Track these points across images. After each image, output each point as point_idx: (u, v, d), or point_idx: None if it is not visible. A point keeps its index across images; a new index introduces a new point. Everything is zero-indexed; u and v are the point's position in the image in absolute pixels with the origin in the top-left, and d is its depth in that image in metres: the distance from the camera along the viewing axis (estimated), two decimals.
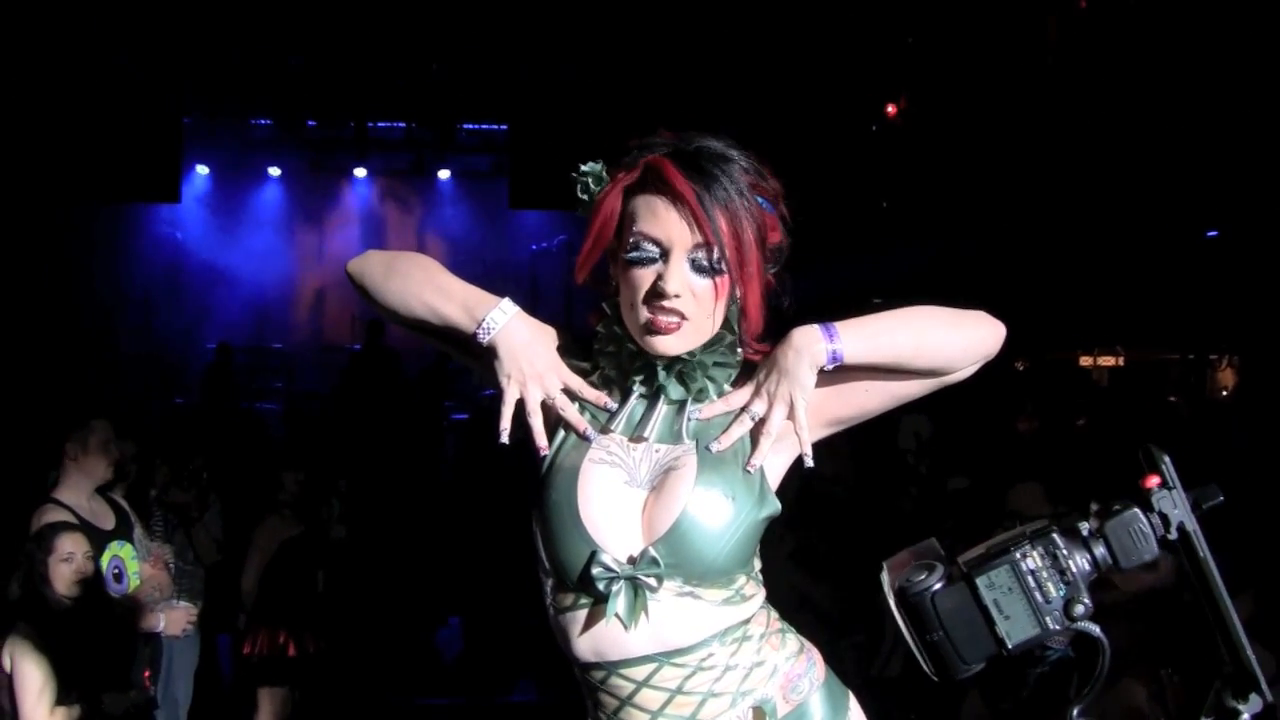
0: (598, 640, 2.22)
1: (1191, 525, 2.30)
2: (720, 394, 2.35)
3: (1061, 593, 2.25)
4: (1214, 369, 12.33)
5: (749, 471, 2.29)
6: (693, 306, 2.22)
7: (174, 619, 5.46)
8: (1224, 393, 12.10)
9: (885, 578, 2.36)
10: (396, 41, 14.41)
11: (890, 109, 13.91)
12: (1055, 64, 11.70)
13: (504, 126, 16.98)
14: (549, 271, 18.01)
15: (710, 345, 2.31)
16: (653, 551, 2.17)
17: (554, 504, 2.24)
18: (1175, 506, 2.30)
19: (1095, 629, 2.29)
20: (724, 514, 2.22)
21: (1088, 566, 2.28)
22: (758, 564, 2.36)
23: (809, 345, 2.28)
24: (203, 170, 17.81)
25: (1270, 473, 6.75)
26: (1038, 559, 2.27)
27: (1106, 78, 10.73)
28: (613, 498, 2.23)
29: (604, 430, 2.31)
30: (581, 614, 2.23)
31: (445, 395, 16.89)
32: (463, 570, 9.29)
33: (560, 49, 14.32)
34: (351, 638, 8.00)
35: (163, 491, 6.93)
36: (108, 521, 5.50)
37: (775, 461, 2.37)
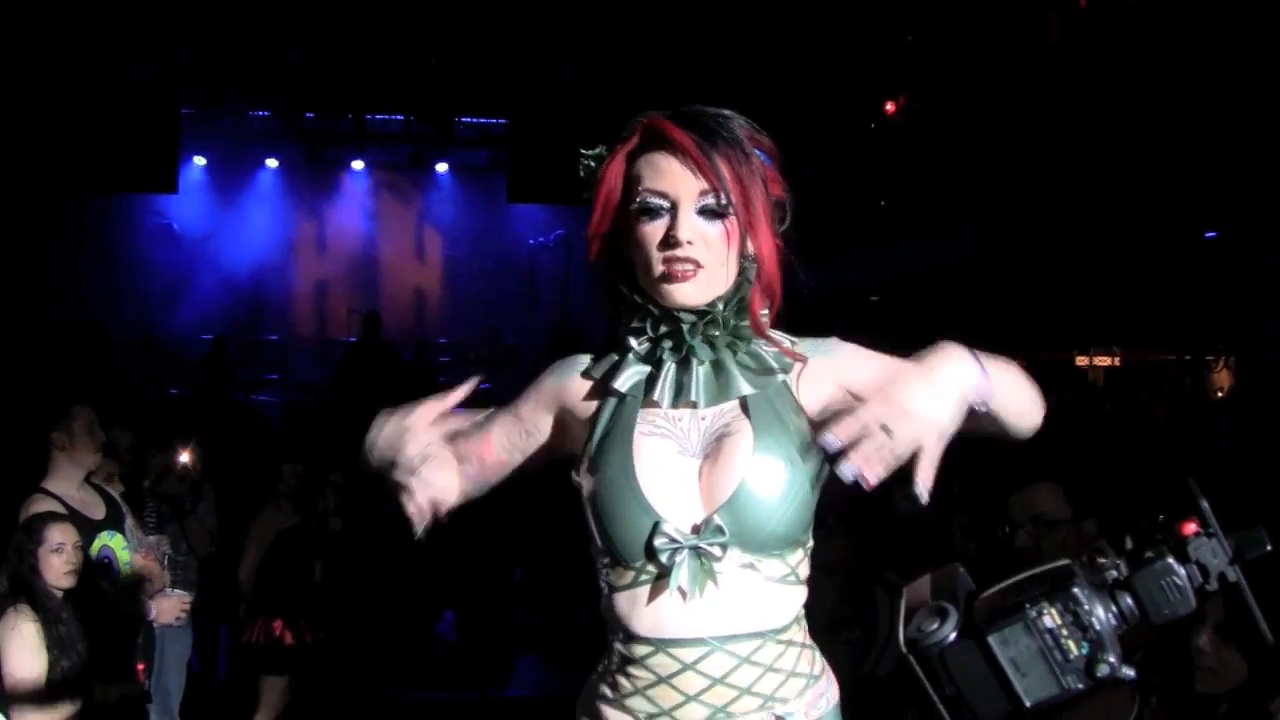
0: (658, 615, 2.16)
1: (1235, 576, 2.19)
2: (750, 351, 2.31)
3: (1084, 650, 2.15)
4: (1210, 370, 12.32)
5: (802, 433, 2.24)
6: (705, 253, 2.21)
7: (166, 608, 5.44)
8: (1219, 394, 12.10)
9: (902, 610, 2.28)
10: (395, 34, 14.40)
11: (889, 107, 13.90)
12: (1055, 63, 11.68)
13: (502, 120, 16.97)
14: (547, 265, 18.02)
15: (730, 300, 2.27)
16: (717, 519, 2.14)
17: (610, 479, 2.20)
18: (1215, 556, 2.19)
19: (1129, 673, 2.18)
20: (783, 479, 2.18)
21: (1113, 620, 2.17)
22: (811, 541, 2.31)
23: (963, 373, 2.15)
24: (200, 161, 17.80)
25: (1253, 474, 6.75)
26: (1056, 616, 2.16)
27: (1106, 77, 10.72)
28: (669, 468, 2.20)
29: (646, 404, 2.27)
30: (642, 590, 2.18)
31: (440, 388, 16.85)
32: (457, 564, 9.28)
33: (559, 44, 14.32)
34: (347, 630, 7.99)
35: (156, 482, 6.92)
36: (98, 511, 5.47)
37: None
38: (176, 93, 15.37)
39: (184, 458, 7.09)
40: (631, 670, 2.21)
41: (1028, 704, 2.14)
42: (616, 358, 2.32)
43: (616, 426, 2.26)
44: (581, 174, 2.36)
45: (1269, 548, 2.18)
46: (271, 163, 18.45)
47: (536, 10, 13.41)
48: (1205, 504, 2.20)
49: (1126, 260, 10.94)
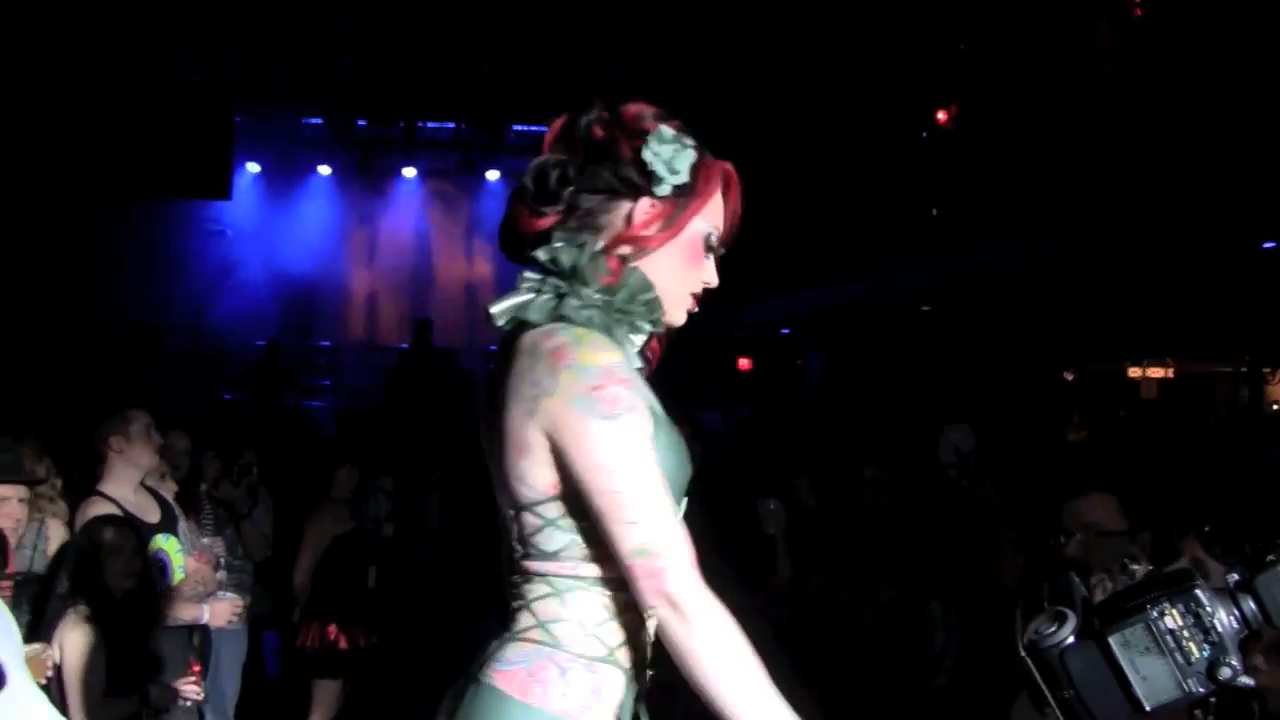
0: None
1: None
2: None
3: (1205, 653, 2.10)
4: (1268, 382, 12.22)
5: None
6: None
7: (219, 611, 5.47)
8: (1276, 406, 11.99)
9: (1018, 620, 2.25)
10: (447, 41, 14.46)
11: (941, 115, 13.85)
12: (1108, 70, 11.62)
13: None
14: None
15: None
16: None
17: (677, 441, 2.31)
18: None
19: (1250, 682, 2.14)
20: None
21: (1235, 624, 2.12)
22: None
23: None
24: (253, 168, 17.91)
25: None
26: (1177, 617, 2.12)
27: (1159, 84, 10.66)
28: None
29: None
30: None
31: None
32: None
33: (609, 51, 14.33)
34: (399, 634, 8.04)
35: (213, 486, 6.97)
36: (152, 515, 5.48)
37: None
38: (230, 99, 15.49)
39: (242, 462, 7.14)
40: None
41: (1148, 707, 2.12)
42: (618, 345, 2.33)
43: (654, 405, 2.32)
44: (670, 151, 2.45)
45: None
46: (324, 169, 18.54)
47: (587, 17, 13.44)
48: None
49: (1181, 270, 10.86)
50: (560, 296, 2.33)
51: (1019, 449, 7.25)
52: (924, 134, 14.09)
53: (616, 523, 2.15)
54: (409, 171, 18.79)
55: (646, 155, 2.43)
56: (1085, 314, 12.16)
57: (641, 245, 2.40)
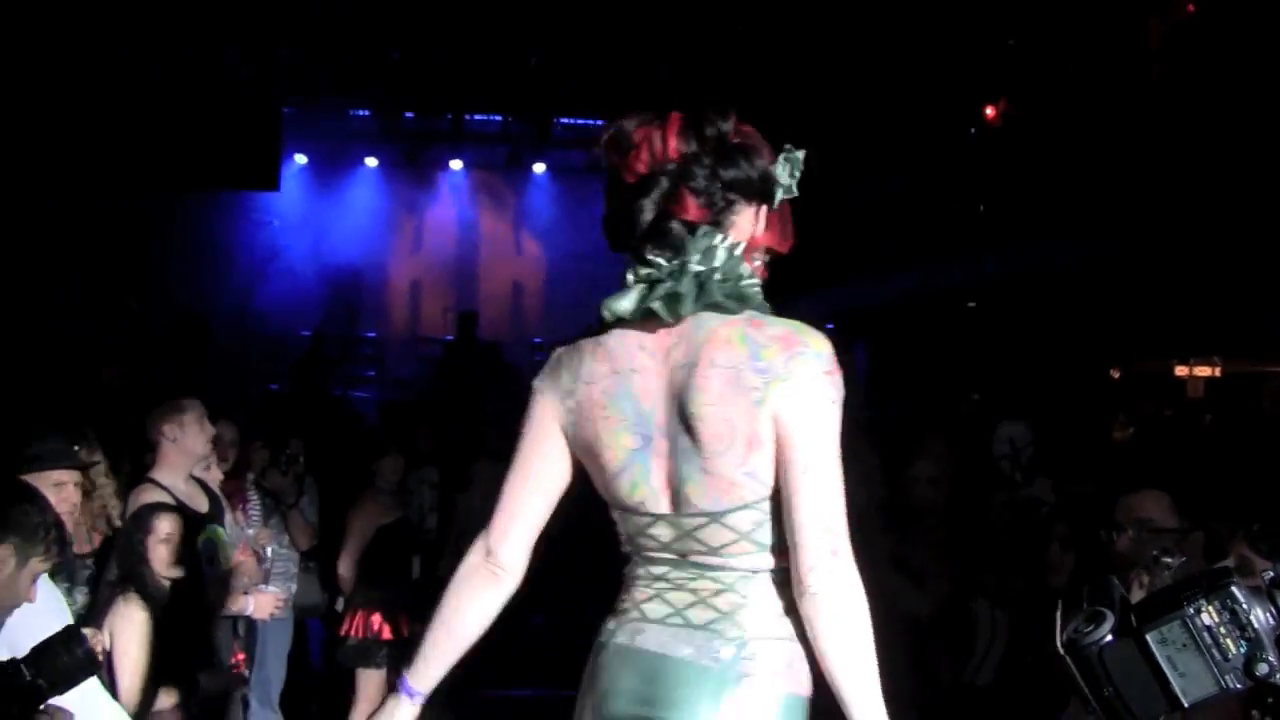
0: None
1: None
2: None
3: (1243, 649, 2.12)
4: None
5: None
6: None
7: (262, 603, 5.51)
8: None
9: (1058, 618, 2.28)
10: (494, 34, 14.49)
11: (989, 112, 13.79)
12: (1158, 69, 11.55)
13: (600, 122, 16.99)
14: None
15: None
16: None
17: None
18: None
19: None
20: None
21: (1271, 620, 2.14)
22: None
23: None
24: (301, 159, 17.99)
25: None
26: (1214, 614, 2.13)
27: (1210, 83, 10.58)
28: None
29: None
30: None
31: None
32: (548, 565, 9.32)
33: (656, 46, 14.34)
34: None
35: (260, 475, 7.02)
36: (201, 505, 5.51)
37: None
38: (279, 92, 15.57)
39: (288, 451, 7.18)
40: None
41: (1186, 703, 2.14)
42: None
43: None
44: (792, 169, 2.62)
45: None
46: (371, 161, 18.61)
47: (635, 11, 13.44)
48: None
49: (1229, 267, 10.79)
50: (701, 286, 2.44)
51: (1067, 447, 7.21)
52: (972, 130, 14.03)
53: (820, 499, 2.35)
54: (455, 164, 18.83)
55: (782, 167, 2.60)
56: (1131, 312, 12.09)
57: (758, 247, 2.59)
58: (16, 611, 3.15)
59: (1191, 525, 3.98)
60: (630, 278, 2.54)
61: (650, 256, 2.51)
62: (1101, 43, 11.93)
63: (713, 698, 2.40)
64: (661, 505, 2.49)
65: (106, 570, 4.85)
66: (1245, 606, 2.12)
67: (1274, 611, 2.14)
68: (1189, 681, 2.13)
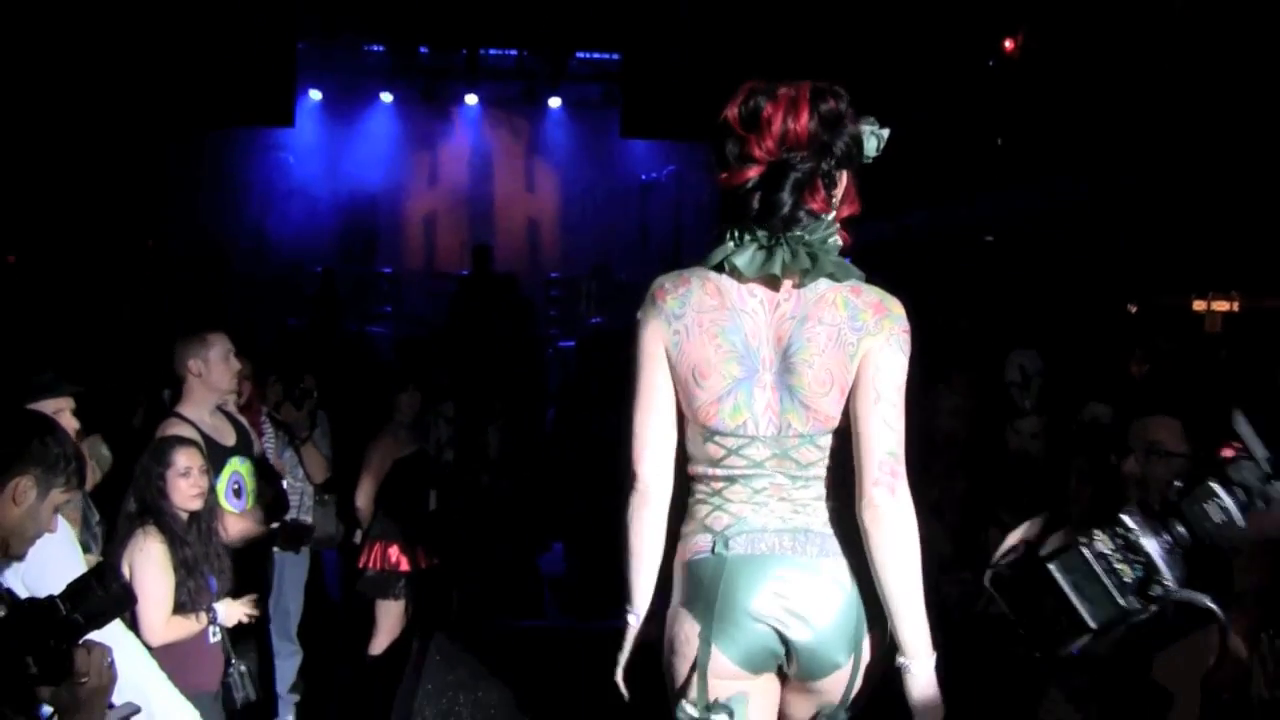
0: None
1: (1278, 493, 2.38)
2: None
3: (1138, 573, 2.35)
4: None
5: None
6: None
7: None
8: None
9: (998, 551, 2.62)
10: None
11: (1008, 44, 13.67)
12: (1182, 3, 11.43)
13: (616, 55, 16.94)
14: (659, 201, 18.03)
15: None
16: None
17: None
18: (1254, 475, 2.39)
19: (1201, 599, 2.38)
20: None
21: (1163, 546, 2.36)
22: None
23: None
24: (316, 95, 17.99)
25: None
26: (1108, 542, 2.36)
27: (1232, 15, 10.48)
28: None
29: None
30: None
31: (552, 322, 17.02)
32: (566, 496, 9.37)
33: None
34: (458, 559, 8.11)
35: (274, 409, 7.04)
36: (229, 437, 5.52)
37: None
38: (293, 27, 15.52)
39: (302, 385, 7.18)
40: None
41: (1093, 625, 2.36)
42: None
43: None
44: (879, 143, 3.04)
45: None
46: (386, 97, 18.60)
47: None
48: (1244, 427, 2.44)
49: (1249, 201, 10.72)
50: (812, 255, 2.90)
51: (1083, 379, 7.21)
52: (990, 63, 13.93)
53: (888, 430, 2.85)
54: (471, 99, 18.81)
55: (869, 139, 3.00)
56: (1149, 246, 12.03)
57: (843, 217, 3.02)
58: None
59: (1200, 451, 4.01)
60: (737, 236, 2.93)
61: (758, 226, 2.92)
62: None
63: (844, 588, 2.92)
64: (763, 429, 2.92)
65: (124, 503, 4.86)
66: (1136, 534, 2.36)
67: (1166, 537, 2.36)
68: (1093, 605, 2.36)
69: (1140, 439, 3.92)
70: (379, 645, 7.13)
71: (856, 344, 2.86)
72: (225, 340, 5.49)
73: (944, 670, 2.92)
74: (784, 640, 2.90)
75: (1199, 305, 13.10)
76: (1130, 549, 2.35)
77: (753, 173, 2.89)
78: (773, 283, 2.91)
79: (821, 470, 2.95)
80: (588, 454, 9.01)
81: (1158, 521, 2.38)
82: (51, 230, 13.11)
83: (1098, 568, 2.35)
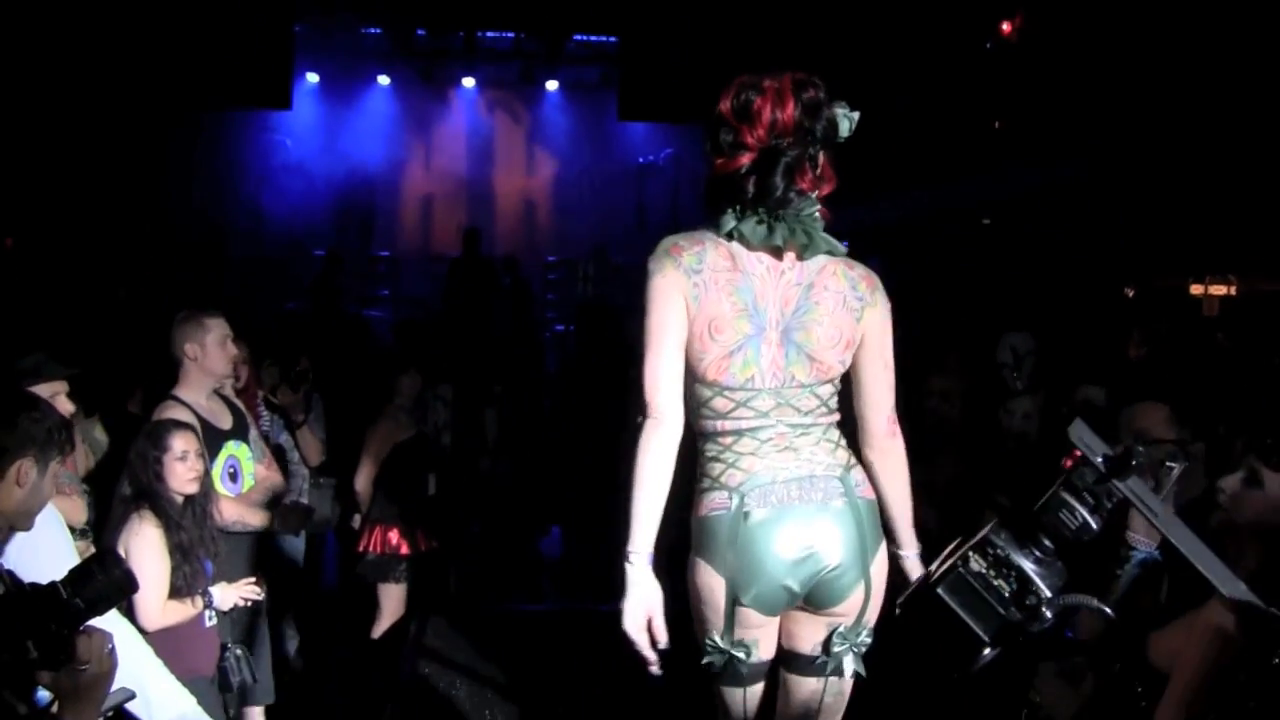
0: None
1: (1122, 493, 2.55)
2: None
3: (1012, 585, 2.54)
4: None
5: None
6: None
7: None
8: None
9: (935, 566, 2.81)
10: None
11: (1005, 27, 13.66)
12: None
13: (614, 38, 16.91)
14: (656, 184, 18.00)
15: None
16: None
17: None
18: (1093, 479, 2.55)
19: (1087, 601, 2.62)
20: None
21: (1029, 561, 2.56)
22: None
23: None
24: (313, 78, 17.93)
25: None
26: (980, 561, 2.57)
27: None
28: None
29: None
30: None
31: (549, 305, 17.01)
32: (564, 479, 9.38)
33: None
34: (456, 542, 8.12)
35: (270, 392, 7.04)
36: (225, 421, 5.49)
37: None
38: (290, 9, 15.49)
39: (298, 368, 7.18)
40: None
41: (986, 639, 2.57)
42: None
43: None
44: (851, 124, 3.30)
45: (1137, 462, 2.54)
46: (383, 79, 18.55)
47: None
48: (1083, 432, 2.60)
49: (1246, 184, 10.72)
50: (806, 231, 3.27)
51: (1080, 362, 7.21)
52: (987, 45, 13.92)
53: (889, 388, 3.41)
54: (468, 82, 18.76)
55: (843, 117, 3.27)
56: (1146, 230, 12.03)
57: (823, 195, 3.34)
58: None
59: (1188, 437, 4.05)
60: (736, 212, 3.27)
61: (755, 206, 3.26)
62: None
63: (858, 522, 3.29)
64: (768, 381, 3.27)
65: (119, 486, 4.86)
66: (1003, 551, 2.56)
67: (1031, 549, 2.55)
68: (984, 622, 2.55)
69: (1128, 427, 3.96)
70: (380, 628, 7.15)
71: (860, 310, 3.32)
72: (223, 324, 5.44)
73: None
74: (801, 581, 3.24)
75: (1196, 289, 13.10)
76: (1002, 564, 2.53)
77: (746, 159, 3.23)
78: (776, 253, 3.26)
79: (818, 418, 3.34)
80: (586, 437, 9.01)
81: (1025, 536, 2.56)
82: (49, 214, 13.10)
83: (978, 586, 2.54)
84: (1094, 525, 2.54)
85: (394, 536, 7.10)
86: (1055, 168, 12.51)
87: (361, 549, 7.15)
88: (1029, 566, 2.53)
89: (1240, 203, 10.94)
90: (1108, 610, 2.65)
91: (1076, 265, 12.30)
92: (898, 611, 2.81)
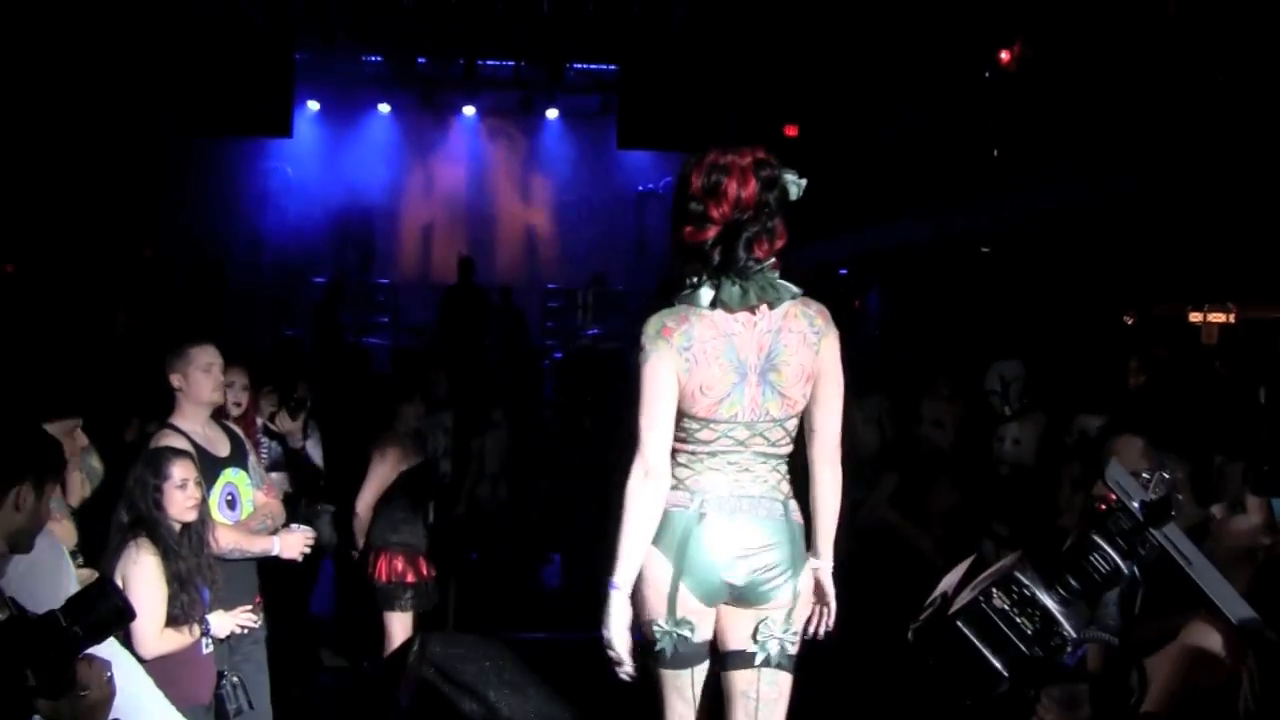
0: None
1: (1162, 539, 2.54)
2: None
3: (1037, 624, 2.51)
4: None
5: None
6: None
7: (290, 543, 5.44)
8: None
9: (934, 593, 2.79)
10: None
11: (1004, 55, 13.70)
12: (1174, 12, 11.45)
13: (614, 67, 16.97)
14: (656, 212, 18.04)
15: None
16: None
17: None
18: (1130, 524, 2.53)
19: (1105, 638, 2.57)
20: None
21: (1055, 598, 2.53)
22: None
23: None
24: (313, 105, 18.00)
25: None
26: (1005, 599, 2.53)
27: (1226, 25, 10.49)
28: None
29: None
30: None
31: (548, 333, 17.02)
32: (564, 509, 9.36)
33: None
34: (456, 569, 8.11)
35: (269, 420, 7.03)
36: (223, 448, 5.46)
37: None
38: (291, 37, 15.54)
39: (296, 395, 7.18)
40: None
41: (1005, 674, 2.52)
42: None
43: None
44: (799, 188, 3.74)
45: (1175, 511, 2.53)
46: (384, 107, 18.63)
47: None
48: (1120, 476, 2.57)
49: (1245, 211, 10.73)
50: (772, 285, 3.68)
51: (1078, 390, 7.22)
52: (986, 74, 13.96)
53: (836, 416, 3.77)
54: (469, 109, 18.84)
55: (792, 184, 3.71)
56: (1146, 257, 12.04)
57: (776, 251, 3.70)
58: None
59: (1159, 467, 4.10)
60: (704, 279, 3.69)
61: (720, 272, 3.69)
62: None
63: (792, 540, 3.77)
64: (746, 416, 3.70)
65: (116, 514, 4.84)
66: (1029, 591, 2.52)
67: (1058, 590, 2.52)
68: (1004, 657, 2.52)
69: (1106, 458, 3.99)
70: (388, 654, 7.14)
71: (817, 342, 3.72)
72: (208, 352, 5.39)
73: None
74: (740, 577, 3.72)
75: (1195, 316, 13.11)
76: (1028, 603, 2.51)
77: (711, 233, 3.68)
78: (750, 309, 3.69)
79: (784, 449, 3.79)
80: (584, 467, 9.00)
81: (1052, 575, 2.53)
82: (50, 240, 13.11)
83: (1000, 622, 2.51)
84: (1125, 571, 2.53)
85: (400, 564, 7.08)
86: (1054, 195, 12.53)
87: (370, 577, 7.12)
88: (1054, 607, 2.53)
89: (1239, 230, 10.95)
90: (1114, 640, 2.62)
91: (1075, 293, 12.31)
92: (910, 637, 2.76)
